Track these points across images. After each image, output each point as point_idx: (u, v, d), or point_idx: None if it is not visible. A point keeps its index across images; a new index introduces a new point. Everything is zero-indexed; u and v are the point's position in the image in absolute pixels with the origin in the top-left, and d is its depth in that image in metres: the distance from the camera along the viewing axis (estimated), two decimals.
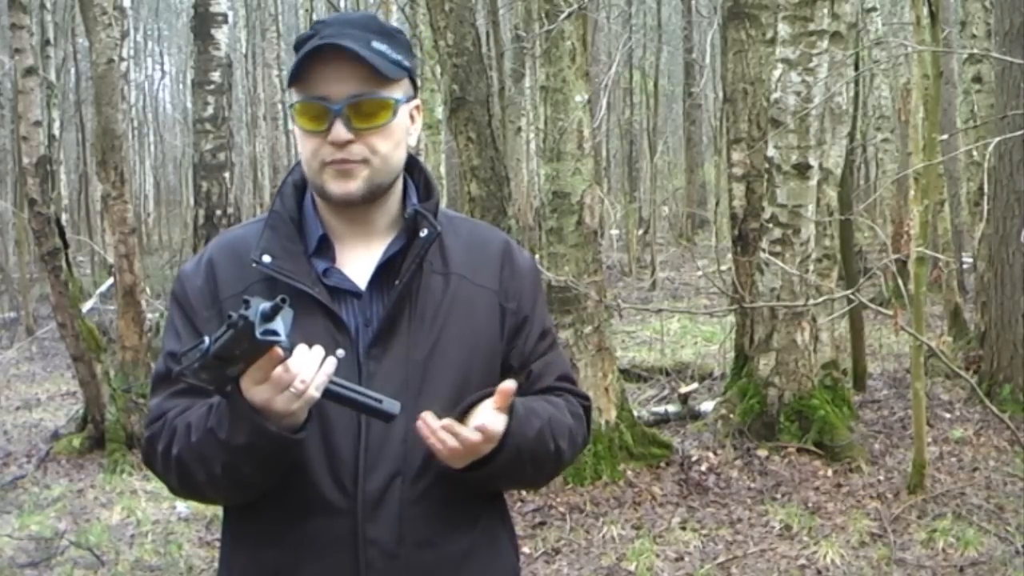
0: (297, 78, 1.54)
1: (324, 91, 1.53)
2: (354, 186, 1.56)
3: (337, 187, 1.56)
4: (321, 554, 1.56)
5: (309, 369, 1.43)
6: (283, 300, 1.39)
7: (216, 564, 1.76)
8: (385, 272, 1.60)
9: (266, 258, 1.56)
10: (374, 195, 1.59)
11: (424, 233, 1.59)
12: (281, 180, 1.68)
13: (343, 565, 1.55)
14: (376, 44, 1.55)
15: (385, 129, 1.56)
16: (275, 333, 1.38)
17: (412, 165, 1.67)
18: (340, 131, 1.53)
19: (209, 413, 1.51)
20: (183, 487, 1.59)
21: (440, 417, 1.50)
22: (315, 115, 1.55)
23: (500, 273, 1.68)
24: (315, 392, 1.44)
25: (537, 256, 6.19)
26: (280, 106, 20.73)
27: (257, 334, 1.37)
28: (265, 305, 1.38)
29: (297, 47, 1.58)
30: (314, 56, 1.52)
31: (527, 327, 1.69)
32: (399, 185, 1.65)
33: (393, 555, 1.55)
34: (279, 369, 1.41)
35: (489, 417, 1.50)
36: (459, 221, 1.73)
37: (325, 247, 1.61)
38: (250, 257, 1.57)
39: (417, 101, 1.64)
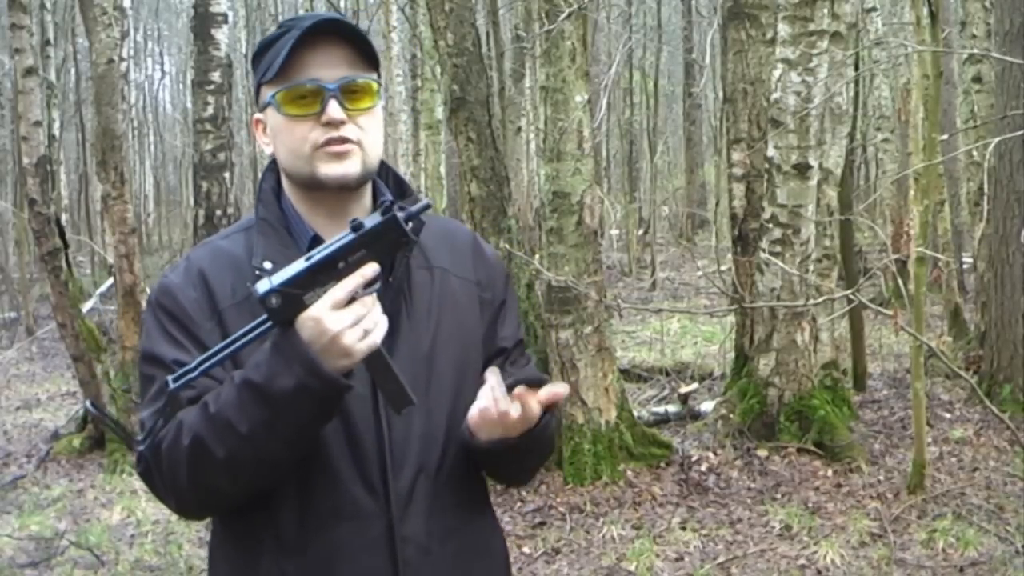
0: (284, 67, 1.53)
1: (315, 74, 1.53)
2: (352, 167, 1.55)
3: (332, 170, 1.54)
4: (354, 559, 1.54)
5: (377, 310, 1.43)
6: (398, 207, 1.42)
7: None
8: None
9: (267, 264, 1.52)
10: (366, 179, 1.59)
11: (410, 227, 1.59)
12: (257, 188, 1.66)
13: (379, 567, 1.54)
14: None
15: (372, 112, 1.58)
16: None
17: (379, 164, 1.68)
18: (336, 110, 1.52)
19: (231, 385, 1.45)
20: (194, 483, 1.48)
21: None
22: (306, 99, 1.54)
23: (473, 264, 1.71)
24: (378, 337, 1.43)
25: (537, 256, 6.19)
26: None
27: (408, 228, 1.41)
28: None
29: (265, 48, 1.57)
30: (304, 42, 1.51)
31: (503, 311, 1.73)
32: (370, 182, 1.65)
33: (426, 550, 1.56)
34: (364, 297, 1.40)
35: (532, 403, 1.51)
36: (424, 216, 1.74)
37: (316, 247, 1.60)
38: (251, 264, 1.54)
39: (383, 101, 1.65)
